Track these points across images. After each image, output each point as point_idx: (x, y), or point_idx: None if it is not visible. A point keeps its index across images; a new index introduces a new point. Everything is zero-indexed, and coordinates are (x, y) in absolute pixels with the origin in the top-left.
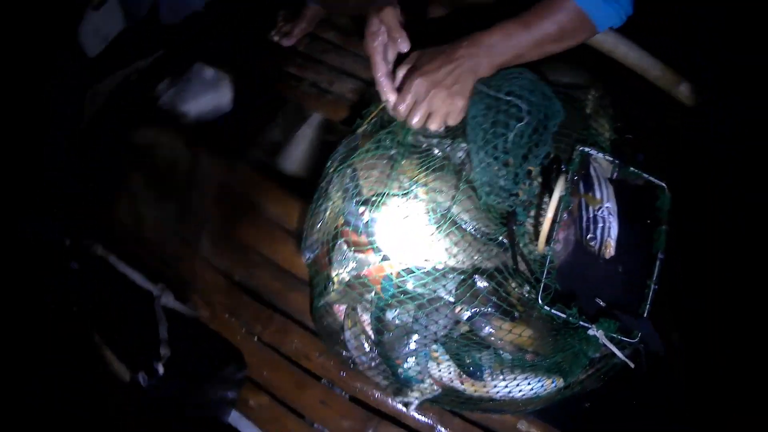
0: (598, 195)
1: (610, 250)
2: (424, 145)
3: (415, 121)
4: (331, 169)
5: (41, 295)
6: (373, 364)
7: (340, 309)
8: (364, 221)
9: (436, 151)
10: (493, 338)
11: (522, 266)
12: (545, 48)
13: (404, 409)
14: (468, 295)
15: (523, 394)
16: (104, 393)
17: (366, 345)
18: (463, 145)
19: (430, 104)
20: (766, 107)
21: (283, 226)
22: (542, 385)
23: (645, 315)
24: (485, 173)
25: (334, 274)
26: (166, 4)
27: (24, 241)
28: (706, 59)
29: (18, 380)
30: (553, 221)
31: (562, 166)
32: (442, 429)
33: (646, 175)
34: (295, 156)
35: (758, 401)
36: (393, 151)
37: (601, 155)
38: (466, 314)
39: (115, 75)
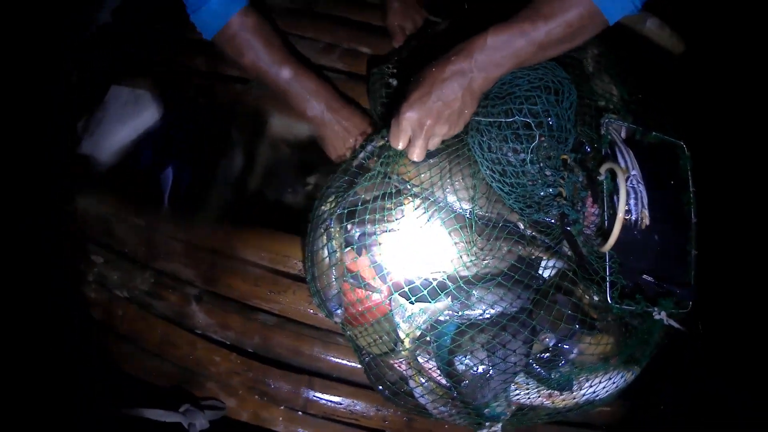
0: (622, 163)
1: (647, 221)
2: None
3: (415, 155)
4: (324, 207)
5: (41, 294)
6: (454, 411)
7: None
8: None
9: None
10: (580, 358)
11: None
12: (548, 52)
13: None
14: (551, 317)
15: (608, 392)
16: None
17: (442, 397)
18: None
19: (425, 135)
20: None
21: (282, 270)
22: (624, 379)
23: (692, 283)
24: (518, 202)
25: (403, 335)
26: None
27: (24, 241)
28: None
29: (18, 380)
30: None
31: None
32: None
33: (664, 136)
34: (266, 180)
35: None
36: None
37: (624, 123)
38: (552, 341)
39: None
